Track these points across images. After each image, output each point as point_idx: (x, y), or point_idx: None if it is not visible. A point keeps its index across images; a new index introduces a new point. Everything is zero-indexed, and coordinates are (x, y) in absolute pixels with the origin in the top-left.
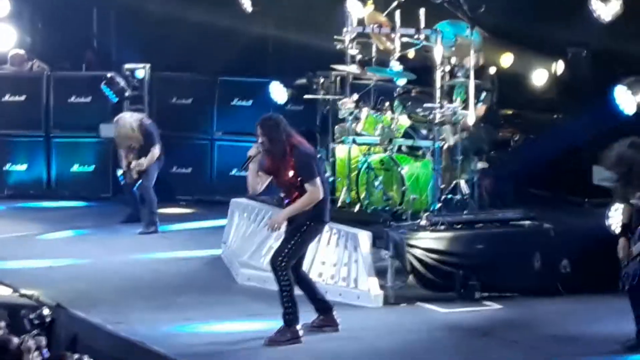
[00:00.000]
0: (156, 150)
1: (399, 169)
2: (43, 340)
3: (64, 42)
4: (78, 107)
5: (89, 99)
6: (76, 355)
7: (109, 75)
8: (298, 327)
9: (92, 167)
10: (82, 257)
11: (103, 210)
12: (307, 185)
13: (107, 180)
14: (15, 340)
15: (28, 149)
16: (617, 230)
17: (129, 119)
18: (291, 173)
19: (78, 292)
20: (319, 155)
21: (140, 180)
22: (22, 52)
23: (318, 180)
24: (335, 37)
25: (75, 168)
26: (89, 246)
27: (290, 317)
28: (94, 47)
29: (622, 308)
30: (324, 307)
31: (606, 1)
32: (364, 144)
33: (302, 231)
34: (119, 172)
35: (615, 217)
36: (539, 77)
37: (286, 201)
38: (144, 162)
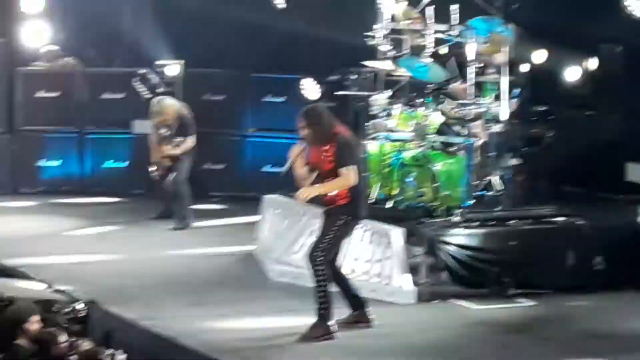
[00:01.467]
0: (192, 140)
1: (432, 166)
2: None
3: (96, 37)
4: (111, 103)
5: (122, 95)
6: (109, 351)
7: (141, 71)
8: (331, 323)
9: (125, 163)
10: (115, 253)
11: (136, 206)
12: (342, 170)
13: (140, 176)
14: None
15: (61, 145)
16: None
17: (172, 100)
18: (330, 160)
19: (111, 288)
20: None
21: (174, 174)
22: (55, 48)
23: (354, 168)
24: (367, 33)
25: (109, 164)
26: (122, 242)
27: (324, 313)
28: (124, 43)
29: None
30: (357, 303)
31: None
32: (397, 140)
33: (337, 225)
34: (151, 168)
35: None
36: (572, 74)
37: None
38: (178, 149)
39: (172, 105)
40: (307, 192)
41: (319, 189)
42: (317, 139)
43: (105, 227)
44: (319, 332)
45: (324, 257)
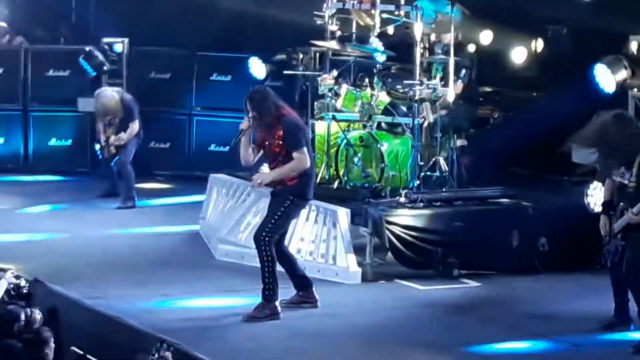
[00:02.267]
0: (135, 126)
1: (379, 146)
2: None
3: (41, 15)
4: (56, 80)
5: (67, 73)
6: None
7: (87, 49)
8: (277, 303)
9: (69, 141)
10: (60, 231)
11: (81, 184)
12: (294, 154)
13: (85, 154)
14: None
15: (5, 123)
16: (597, 208)
17: (112, 92)
18: (279, 143)
19: (56, 266)
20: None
21: (118, 156)
22: (2, 24)
23: (305, 149)
24: (315, 12)
25: (53, 142)
26: (66, 221)
27: (270, 293)
28: (70, 20)
29: (600, 286)
30: (303, 283)
31: None
32: (343, 120)
33: (285, 206)
34: (97, 146)
35: (594, 195)
36: (518, 55)
37: None
38: (124, 136)
39: (111, 99)
40: (262, 178)
41: (274, 174)
42: (263, 122)
43: (50, 205)
44: (264, 312)
45: (270, 237)
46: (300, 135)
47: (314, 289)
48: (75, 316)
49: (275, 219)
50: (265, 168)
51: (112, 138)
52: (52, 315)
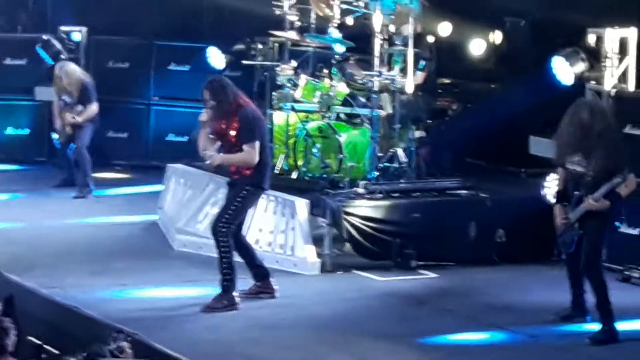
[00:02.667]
0: (93, 107)
1: (337, 137)
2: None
3: None
4: (13, 69)
5: (24, 61)
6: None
7: (44, 37)
8: (235, 293)
9: (26, 130)
10: (16, 220)
11: (38, 174)
12: (244, 146)
13: (42, 143)
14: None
15: None
16: (553, 198)
17: (74, 66)
18: (234, 133)
19: (12, 256)
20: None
21: (74, 143)
22: None
23: (257, 144)
24: (274, 2)
25: (10, 131)
26: (23, 210)
27: (228, 284)
28: (28, 8)
29: (557, 277)
30: (261, 273)
31: None
32: (302, 111)
33: (241, 196)
34: (55, 135)
35: (551, 187)
36: (477, 47)
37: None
38: (81, 116)
39: (74, 71)
40: (213, 157)
41: (224, 158)
42: (220, 112)
43: (6, 194)
44: (222, 302)
45: (227, 228)
46: (255, 128)
47: (272, 279)
48: (32, 306)
49: (232, 209)
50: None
51: (69, 116)
52: (8, 305)
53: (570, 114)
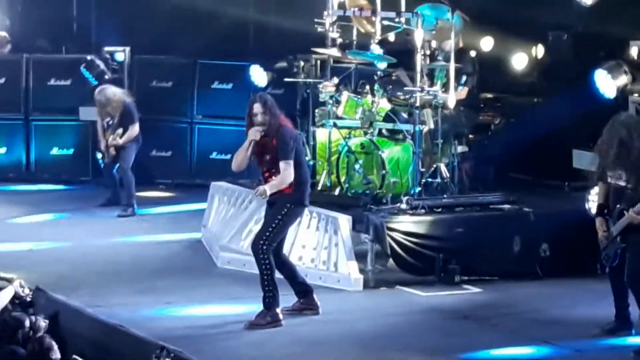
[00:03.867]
0: (135, 128)
1: (380, 153)
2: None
3: (43, 24)
4: (57, 89)
5: (68, 82)
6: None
7: (88, 58)
8: (278, 310)
9: (71, 150)
10: (62, 240)
11: (83, 193)
12: (281, 163)
13: (86, 163)
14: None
15: (7, 132)
16: (594, 210)
17: (115, 89)
18: (272, 152)
19: (58, 275)
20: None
21: (119, 162)
22: (4, 34)
23: (292, 162)
24: (315, 20)
25: (55, 151)
26: (68, 229)
27: (270, 301)
28: (72, 30)
29: (601, 291)
30: (304, 290)
31: None
32: (344, 127)
33: (282, 214)
34: (99, 155)
35: (595, 200)
36: (519, 61)
37: (265, 183)
38: (123, 137)
39: (113, 95)
40: (264, 192)
41: (271, 186)
42: (271, 125)
43: (52, 214)
44: (266, 319)
45: (268, 245)
46: (291, 145)
47: (314, 295)
48: (77, 324)
49: (272, 227)
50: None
51: (110, 138)
52: (53, 323)
53: (609, 130)
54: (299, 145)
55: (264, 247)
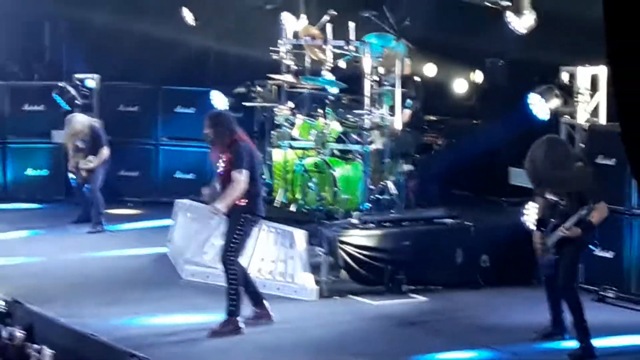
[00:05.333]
0: (105, 152)
1: (332, 171)
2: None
3: (17, 53)
4: (31, 114)
5: (41, 107)
6: (36, 346)
7: (60, 84)
8: (239, 319)
9: (45, 171)
10: (37, 255)
11: (56, 211)
12: (232, 173)
13: (60, 183)
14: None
15: None
16: (533, 226)
17: (83, 117)
18: (227, 166)
19: (33, 288)
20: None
21: (89, 184)
22: None
23: (244, 172)
24: (271, 48)
25: (30, 172)
26: (42, 245)
27: (233, 309)
28: (44, 58)
29: (537, 299)
30: (257, 299)
31: (520, 15)
32: (299, 148)
33: (240, 225)
34: (71, 175)
35: (530, 214)
36: (459, 86)
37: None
38: (94, 161)
39: (81, 122)
40: (218, 209)
41: (224, 201)
42: (216, 141)
43: (27, 231)
44: (228, 327)
45: (234, 256)
46: (244, 159)
47: (266, 304)
48: (51, 334)
49: (234, 238)
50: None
51: (81, 162)
52: (29, 333)
53: (541, 149)
54: (254, 160)
55: (232, 258)
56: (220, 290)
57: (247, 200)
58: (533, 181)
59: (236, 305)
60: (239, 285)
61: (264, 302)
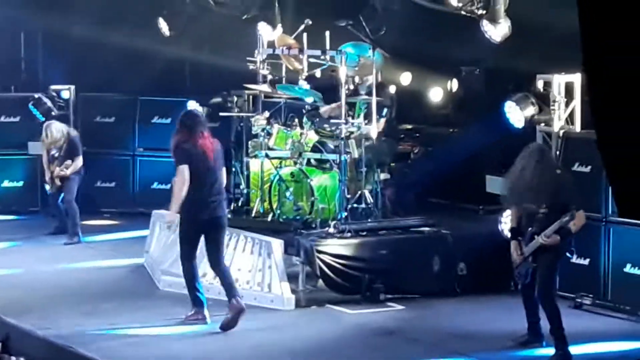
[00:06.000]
0: (79, 161)
1: (309, 181)
2: None
3: None
4: (7, 126)
5: (17, 119)
6: (13, 358)
7: (36, 96)
8: (204, 309)
9: (21, 183)
10: (13, 267)
11: (32, 223)
12: (177, 167)
13: (35, 194)
14: None
15: None
16: (508, 233)
17: (61, 125)
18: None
19: (9, 299)
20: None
21: (64, 194)
22: None
23: (179, 167)
24: (247, 58)
25: (6, 183)
26: (18, 257)
27: (196, 301)
28: (21, 70)
29: (514, 306)
30: (197, 300)
31: (496, 23)
32: (275, 157)
33: (180, 229)
34: (47, 187)
35: (507, 222)
36: (435, 94)
37: None
38: (69, 169)
39: (58, 130)
40: (170, 218)
41: (172, 206)
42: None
43: (3, 242)
44: (196, 316)
45: (184, 259)
46: (183, 155)
47: (205, 308)
48: (28, 346)
49: (180, 244)
50: None
51: (56, 170)
52: (5, 344)
53: (523, 158)
54: (198, 164)
55: (184, 262)
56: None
57: (185, 207)
58: (516, 190)
59: (195, 297)
60: (193, 281)
61: (203, 306)
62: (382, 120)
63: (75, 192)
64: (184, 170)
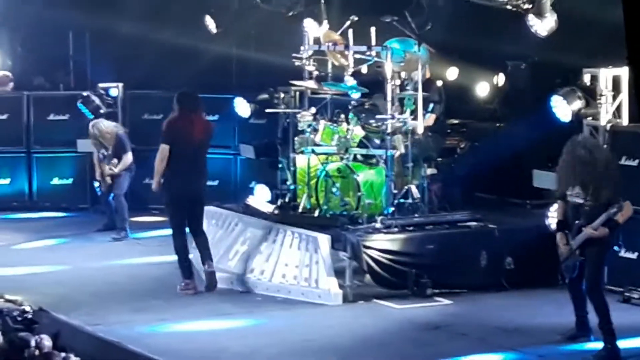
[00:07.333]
0: (128, 158)
1: (355, 176)
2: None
3: (42, 64)
4: (56, 124)
5: (66, 117)
6: (63, 354)
7: (84, 94)
8: (194, 279)
9: (70, 180)
10: (62, 264)
11: (81, 219)
12: None
13: (84, 191)
14: (33, 338)
15: (11, 164)
16: (555, 227)
17: (109, 123)
18: None
19: (59, 296)
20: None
21: (114, 189)
22: (7, 73)
23: (166, 147)
24: (293, 54)
25: (55, 181)
26: (68, 253)
27: (186, 272)
28: (69, 68)
29: (562, 300)
30: (188, 270)
31: (542, 17)
32: (322, 153)
33: (164, 203)
34: (96, 184)
35: (554, 216)
36: (481, 89)
37: None
38: (118, 166)
39: (106, 128)
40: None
41: (155, 176)
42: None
43: (53, 239)
44: (189, 286)
45: (174, 237)
46: (166, 133)
47: (195, 278)
48: (77, 342)
49: (168, 218)
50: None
51: (107, 168)
52: (56, 341)
53: (568, 151)
54: (181, 143)
55: (174, 239)
56: (245, 297)
57: (165, 187)
58: (563, 182)
59: (185, 268)
60: (182, 255)
61: (193, 276)
62: (432, 116)
63: (125, 188)
64: (164, 149)
